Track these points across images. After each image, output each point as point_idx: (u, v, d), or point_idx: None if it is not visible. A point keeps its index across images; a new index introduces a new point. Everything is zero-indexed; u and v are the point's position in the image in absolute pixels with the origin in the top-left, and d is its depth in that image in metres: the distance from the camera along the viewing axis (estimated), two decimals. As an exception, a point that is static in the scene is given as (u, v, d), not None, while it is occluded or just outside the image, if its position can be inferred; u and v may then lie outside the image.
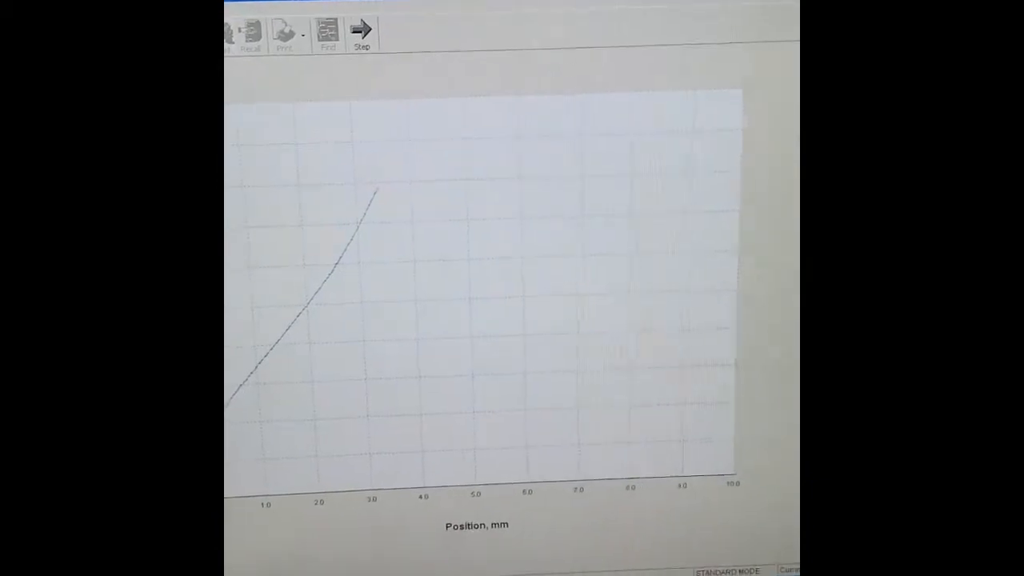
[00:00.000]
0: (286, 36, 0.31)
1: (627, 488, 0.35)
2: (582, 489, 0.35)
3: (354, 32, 0.31)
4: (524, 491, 0.35)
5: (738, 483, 0.35)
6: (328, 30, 0.31)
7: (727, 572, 0.36)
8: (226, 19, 0.30)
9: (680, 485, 0.35)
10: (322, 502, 0.34)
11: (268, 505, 0.34)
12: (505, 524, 0.35)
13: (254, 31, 0.31)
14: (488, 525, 0.35)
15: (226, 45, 0.31)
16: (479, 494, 0.35)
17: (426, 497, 0.34)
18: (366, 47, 0.31)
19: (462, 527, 0.35)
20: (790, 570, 0.36)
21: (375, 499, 0.34)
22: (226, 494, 0.34)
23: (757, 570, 0.36)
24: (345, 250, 0.32)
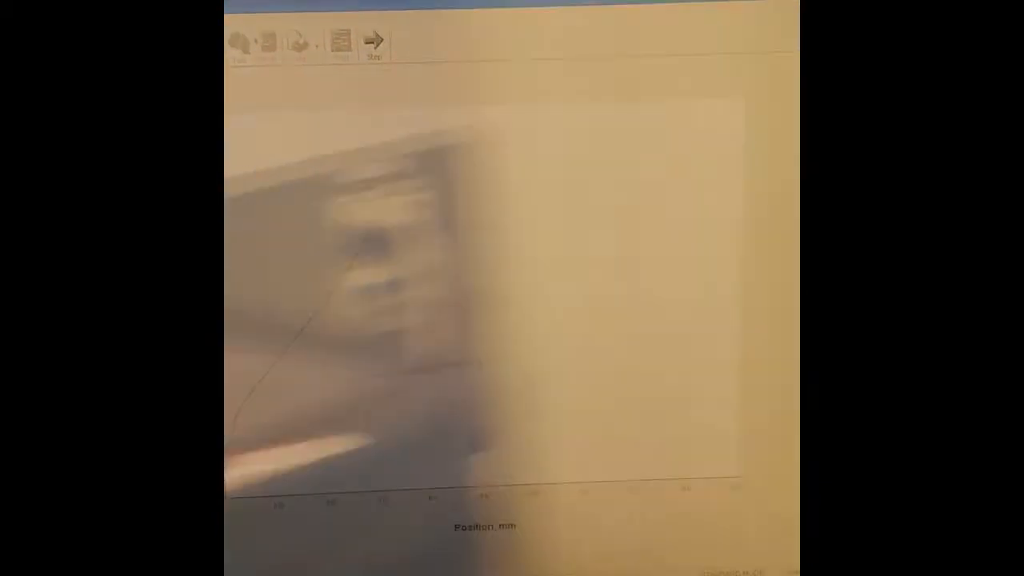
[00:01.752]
0: (300, 47, 0.32)
1: (630, 490, 0.35)
2: (588, 491, 0.35)
3: (366, 43, 0.32)
4: (531, 493, 0.35)
5: (742, 486, 0.35)
6: (341, 41, 0.32)
7: (732, 575, 0.36)
8: (242, 30, 0.31)
9: (684, 488, 0.35)
10: (333, 502, 0.35)
11: (280, 506, 0.35)
12: (512, 525, 0.35)
13: (269, 42, 0.31)
14: (496, 526, 0.35)
15: (242, 55, 0.31)
16: (487, 496, 0.35)
17: (435, 498, 0.35)
18: (378, 57, 0.32)
19: (470, 528, 0.35)
20: (795, 573, 0.36)
21: (385, 499, 0.35)
22: (238, 495, 0.34)
23: (762, 573, 0.36)
24: (358, 254, 0.33)
